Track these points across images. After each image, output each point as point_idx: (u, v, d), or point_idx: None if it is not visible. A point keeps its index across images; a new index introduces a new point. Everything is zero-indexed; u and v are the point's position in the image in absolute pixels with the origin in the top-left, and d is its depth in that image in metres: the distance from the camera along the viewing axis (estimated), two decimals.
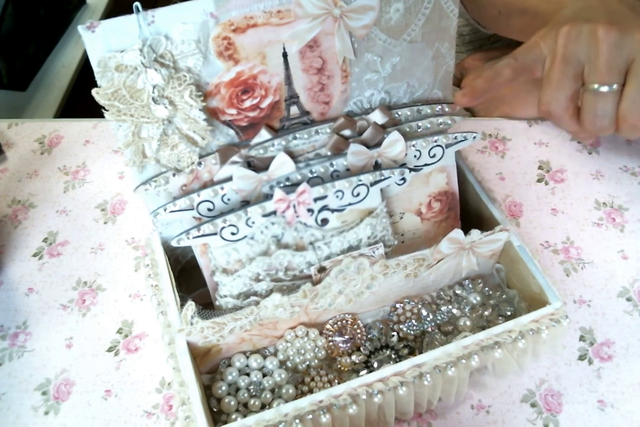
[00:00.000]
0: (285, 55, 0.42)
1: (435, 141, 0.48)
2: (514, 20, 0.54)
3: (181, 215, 0.44)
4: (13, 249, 0.62)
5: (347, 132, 0.46)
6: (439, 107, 0.49)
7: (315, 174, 0.45)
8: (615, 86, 0.38)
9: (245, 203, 0.45)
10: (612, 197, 0.64)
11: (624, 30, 0.38)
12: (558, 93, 0.40)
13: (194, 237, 0.43)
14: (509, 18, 0.55)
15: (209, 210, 0.44)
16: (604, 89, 0.38)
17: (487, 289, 0.53)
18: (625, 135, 0.40)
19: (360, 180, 0.45)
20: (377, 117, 0.47)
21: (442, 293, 0.53)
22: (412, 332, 0.51)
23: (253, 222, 0.44)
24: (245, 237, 0.44)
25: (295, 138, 0.45)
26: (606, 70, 0.38)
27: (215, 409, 0.47)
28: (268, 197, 0.44)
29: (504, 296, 0.53)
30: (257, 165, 0.45)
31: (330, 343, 0.50)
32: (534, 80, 0.54)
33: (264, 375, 0.49)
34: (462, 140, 0.49)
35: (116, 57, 0.38)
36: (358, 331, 0.51)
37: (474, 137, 0.49)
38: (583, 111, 0.40)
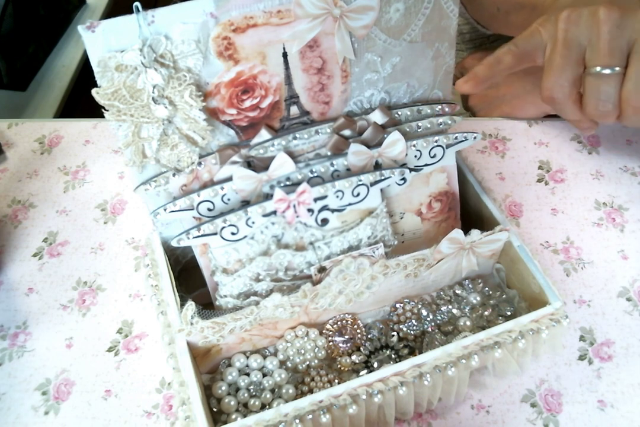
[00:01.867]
0: (285, 55, 0.42)
1: (436, 141, 0.48)
2: (513, 16, 0.54)
3: (181, 215, 0.44)
4: (13, 249, 0.62)
5: (347, 132, 0.46)
6: (439, 107, 0.49)
7: (315, 174, 0.45)
8: (617, 68, 0.37)
9: (246, 203, 0.45)
10: (612, 197, 0.64)
11: (625, 11, 0.37)
12: (560, 78, 0.40)
13: (194, 237, 0.43)
14: (507, 14, 0.55)
15: (209, 210, 0.44)
16: (607, 71, 0.37)
17: (487, 289, 0.53)
18: (628, 121, 0.39)
19: (360, 180, 0.45)
20: (377, 117, 0.47)
21: (442, 293, 0.53)
22: (412, 332, 0.51)
23: (253, 222, 0.44)
24: (245, 237, 0.44)
25: (295, 138, 0.45)
26: (608, 52, 0.37)
27: (215, 409, 0.47)
28: (268, 197, 0.44)
29: (504, 296, 0.53)
30: (257, 165, 0.45)
31: (330, 343, 0.50)
32: (534, 79, 0.54)
33: (264, 375, 0.49)
34: (463, 141, 0.49)
35: (116, 57, 0.38)
36: (358, 331, 0.51)
37: (475, 138, 0.49)
38: (585, 95, 0.39)
